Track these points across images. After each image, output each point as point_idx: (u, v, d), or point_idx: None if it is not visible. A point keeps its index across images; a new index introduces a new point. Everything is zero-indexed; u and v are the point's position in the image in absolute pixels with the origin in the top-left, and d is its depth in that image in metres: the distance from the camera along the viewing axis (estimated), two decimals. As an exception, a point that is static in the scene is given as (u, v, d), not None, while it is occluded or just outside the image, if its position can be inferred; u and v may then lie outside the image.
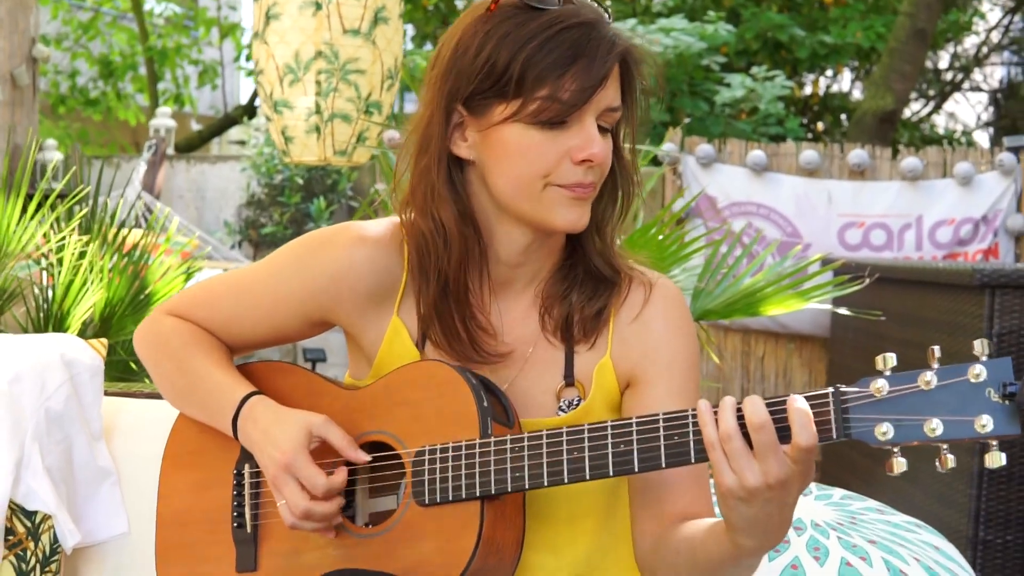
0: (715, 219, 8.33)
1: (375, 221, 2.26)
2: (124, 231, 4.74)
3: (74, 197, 4.54)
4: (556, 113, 2.00)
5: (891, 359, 1.73)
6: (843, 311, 5.01)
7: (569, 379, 2.17)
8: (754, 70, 11.55)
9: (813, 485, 3.02)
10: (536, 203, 2.07)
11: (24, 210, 4.39)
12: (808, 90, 15.03)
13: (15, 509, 2.65)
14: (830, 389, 1.76)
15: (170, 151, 11.34)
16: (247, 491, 2.25)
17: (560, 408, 2.16)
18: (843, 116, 15.04)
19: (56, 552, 2.68)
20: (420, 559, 2.02)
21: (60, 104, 18.97)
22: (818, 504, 2.89)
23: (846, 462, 7.14)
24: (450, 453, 2.02)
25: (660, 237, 4.10)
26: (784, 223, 8.25)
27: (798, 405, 1.75)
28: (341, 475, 2.09)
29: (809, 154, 8.32)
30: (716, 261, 4.51)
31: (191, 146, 17.95)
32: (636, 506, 2.16)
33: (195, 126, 20.71)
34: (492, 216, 2.15)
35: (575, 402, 2.16)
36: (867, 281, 5.31)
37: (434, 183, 2.12)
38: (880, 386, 1.71)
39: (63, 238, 4.27)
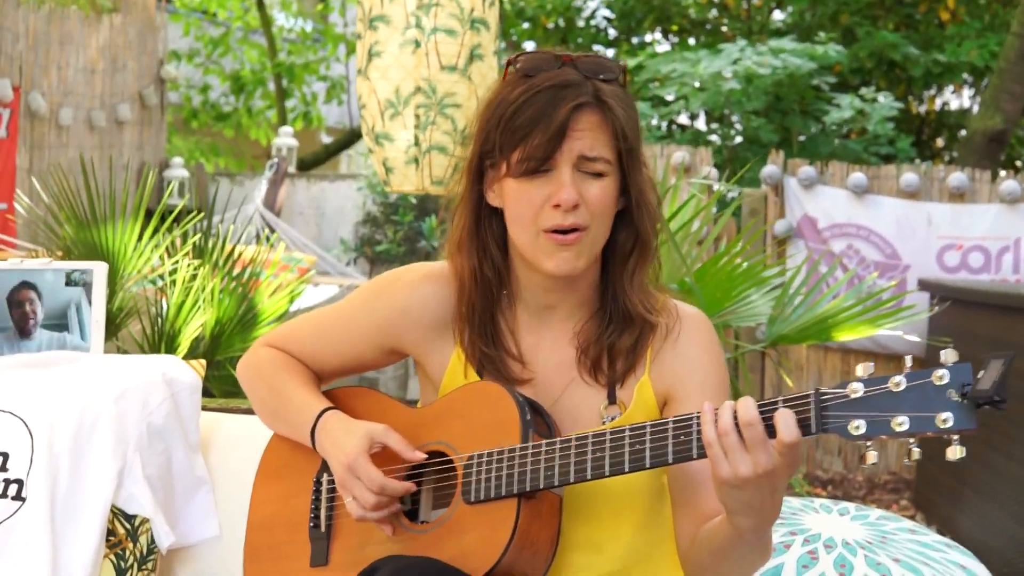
0: (816, 240, 8.45)
1: (440, 261, 2.56)
2: (240, 248, 5.05)
3: (188, 221, 4.85)
4: (528, 168, 2.29)
5: (869, 367, 1.98)
6: (913, 337, 5.16)
7: (612, 399, 2.43)
8: (863, 91, 11.58)
9: (851, 506, 3.19)
10: (533, 248, 2.34)
11: (144, 230, 4.72)
12: (925, 107, 14.97)
13: (116, 512, 2.91)
14: (812, 391, 2.01)
15: (291, 169, 11.68)
16: (324, 496, 2.55)
17: (603, 421, 2.41)
18: (962, 132, 14.96)
19: (152, 552, 2.95)
20: (463, 549, 2.28)
21: (193, 118, 19.43)
22: (854, 524, 3.04)
23: (937, 487, 7.23)
24: (495, 457, 2.29)
25: (729, 268, 4.29)
26: (884, 245, 8.34)
27: (781, 410, 2.02)
28: (402, 483, 2.38)
29: (909, 177, 8.40)
30: (793, 288, 4.68)
31: (317, 160, 18.29)
32: (676, 509, 2.41)
33: (325, 139, 21.06)
34: (519, 259, 2.43)
35: (616, 417, 2.41)
36: (935, 309, 5.45)
37: (464, 232, 2.46)
38: (855, 388, 1.96)
39: (176, 262, 4.58)
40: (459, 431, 2.39)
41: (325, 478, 2.55)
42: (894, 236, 8.33)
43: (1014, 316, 6.13)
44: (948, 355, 1.91)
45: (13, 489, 2.84)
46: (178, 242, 4.81)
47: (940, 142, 15.08)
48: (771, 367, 7.83)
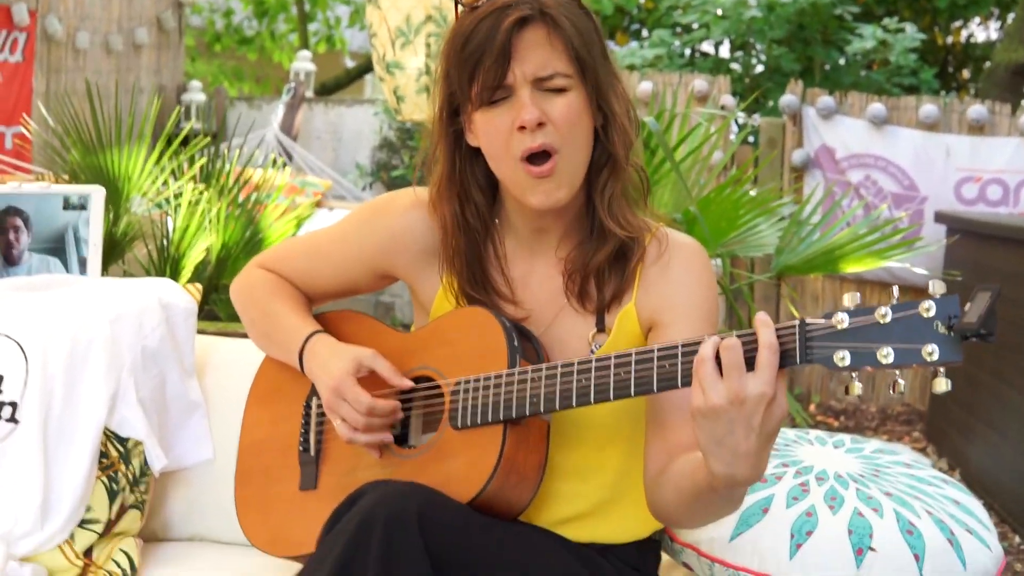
0: (834, 171, 8.40)
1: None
2: (250, 170, 5.05)
3: (195, 145, 4.85)
4: (486, 97, 2.28)
5: (855, 297, 1.95)
6: (921, 270, 5.13)
7: (600, 326, 2.42)
8: (885, 21, 11.45)
9: (847, 437, 3.17)
10: (514, 182, 2.33)
11: (150, 153, 4.73)
12: (951, 39, 14.80)
13: (109, 435, 2.93)
14: (797, 321, 1.98)
15: (309, 94, 11.65)
16: (313, 420, 2.57)
17: (592, 350, 2.40)
18: (987, 64, 14.80)
19: (145, 474, 2.97)
20: (450, 474, 2.30)
21: (216, 42, 19.39)
22: (848, 456, 3.03)
23: (950, 419, 7.22)
24: (481, 383, 2.30)
25: (735, 197, 4.26)
26: (902, 176, 8.28)
27: (764, 333, 1.97)
28: (389, 402, 2.38)
29: (928, 108, 8.32)
30: (802, 217, 4.65)
31: (339, 84, 18.24)
32: (649, 435, 2.36)
33: (349, 63, 21.01)
34: (507, 192, 2.41)
35: (603, 345, 2.40)
36: (944, 243, 5.41)
37: (442, 179, 2.43)
38: (841, 319, 1.92)
39: (181, 186, 4.58)
40: (447, 356, 2.40)
41: (315, 402, 2.58)
42: (912, 167, 8.27)
43: (1022, 250, 6.10)
44: (936, 286, 1.89)
45: (7, 411, 2.87)
46: (185, 166, 4.80)
47: (966, 74, 14.94)
48: (786, 297, 7.82)
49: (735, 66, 12.12)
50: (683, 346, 2.09)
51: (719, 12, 11.43)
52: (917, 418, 8.21)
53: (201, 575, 2.90)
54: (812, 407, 8.38)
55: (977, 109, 8.27)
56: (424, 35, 4.69)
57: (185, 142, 4.95)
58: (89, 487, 2.87)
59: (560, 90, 2.29)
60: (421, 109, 4.76)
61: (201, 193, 4.59)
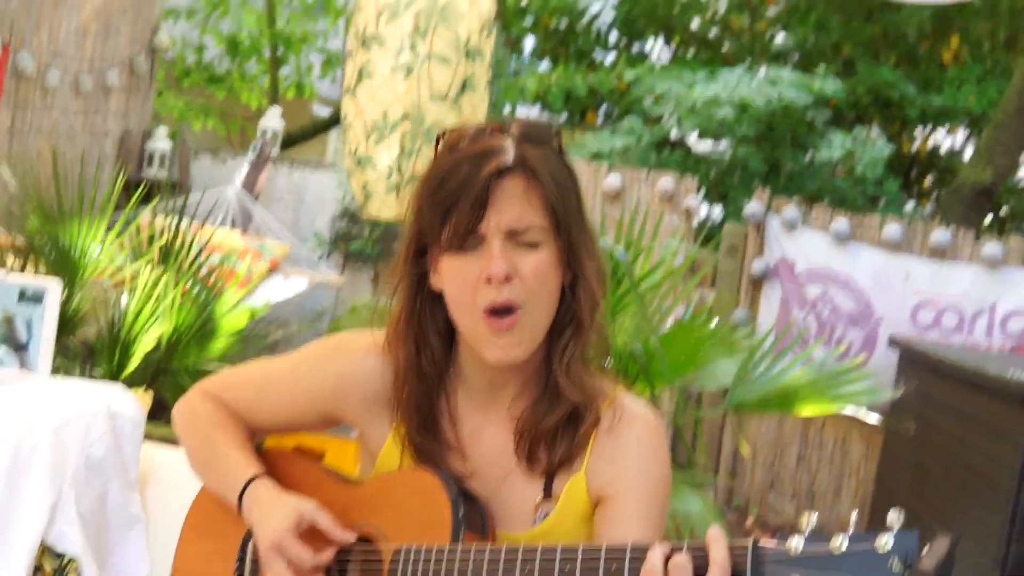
0: (792, 283, 8.42)
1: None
2: (210, 231, 4.99)
3: (152, 224, 4.79)
4: (456, 243, 2.21)
5: (813, 520, 1.89)
6: (872, 419, 5.14)
7: (548, 491, 2.35)
8: (856, 131, 11.53)
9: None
10: (473, 334, 2.26)
11: (111, 228, 4.66)
12: (917, 145, 14.94)
13: (45, 549, 2.87)
14: (750, 542, 1.92)
15: (275, 153, 11.56)
16: (248, 565, 2.48)
17: (535, 520, 2.34)
18: (952, 176, 14.92)
19: (78, 593, 2.91)
20: None
21: (185, 77, 19.30)
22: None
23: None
24: (422, 555, 2.22)
25: (696, 336, 4.24)
26: (859, 295, 8.29)
27: (716, 550, 1.91)
28: (327, 554, 2.31)
29: (892, 228, 8.33)
30: (760, 352, 4.63)
31: (305, 134, 18.18)
32: None
33: (321, 109, 20.95)
34: (464, 343, 2.34)
35: (549, 513, 2.34)
36: (900, 392, 5.42)
37: (400, 320, 2.37)
38: (795, 545, 1.86)
39: (138, 271, 4.52)
40: (390, 519, 2.34)
41: (251, 546, 2.49)
42: (870, 287, 8.28)
43: (972, 390, 6.11)
44: (894, 518, 1.84)
45: (-58, 514, 2.80)
46: (144, 244, 4.75)
47: (929, 179, 15.06)
48: (732, 421, 7.76)
49: (703, 155, 12.19)
50: (632, 549, 2.03)
51: (691, 105, 11.47)
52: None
53: None
54: (750, 520, 8.35)
55: (940, 233, 8.28)
56: (400, 133, 4.66)
57: (149, 194, 4.88)
58: (19, 603, 2.80)
59: (533, 245, 2.23)
60: (389, 207, 4.72)
61: (160, 277, 4.53)
